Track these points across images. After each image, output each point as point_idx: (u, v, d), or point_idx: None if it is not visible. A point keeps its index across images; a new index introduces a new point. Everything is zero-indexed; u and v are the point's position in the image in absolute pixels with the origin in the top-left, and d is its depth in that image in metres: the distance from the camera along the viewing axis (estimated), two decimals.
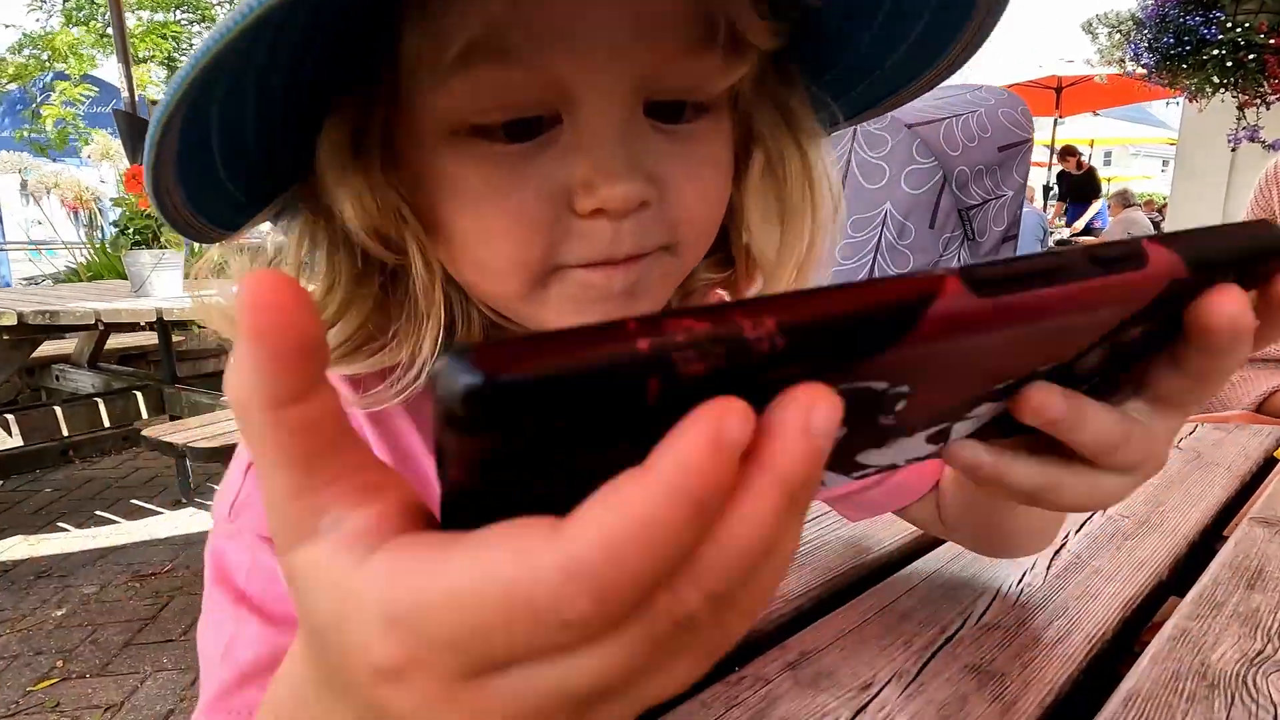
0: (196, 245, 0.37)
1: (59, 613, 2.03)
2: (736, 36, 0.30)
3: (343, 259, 0.32)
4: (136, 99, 2.85)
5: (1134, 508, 0.66)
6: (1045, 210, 7.60)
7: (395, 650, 0.14)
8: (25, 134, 6.57)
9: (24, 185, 5.11)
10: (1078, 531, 0.61)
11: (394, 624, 0.13)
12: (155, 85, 8.42)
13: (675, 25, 0.29)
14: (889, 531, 0.61)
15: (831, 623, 0.47)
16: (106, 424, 2.59)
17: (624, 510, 0.12)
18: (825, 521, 0.61)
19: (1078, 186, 7.49)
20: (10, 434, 2.29)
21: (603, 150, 0.29)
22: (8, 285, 6.27)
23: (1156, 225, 6.30)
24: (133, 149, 2.73)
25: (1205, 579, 0.52)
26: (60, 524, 2.59)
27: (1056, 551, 0.57)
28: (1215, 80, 3.39)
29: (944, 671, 0.42)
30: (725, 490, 0.12)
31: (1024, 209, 6.00)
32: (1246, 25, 3.51)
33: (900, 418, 0.19)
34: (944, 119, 1.51)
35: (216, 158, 0.28)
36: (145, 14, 9.56)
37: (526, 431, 0.11)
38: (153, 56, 9.40)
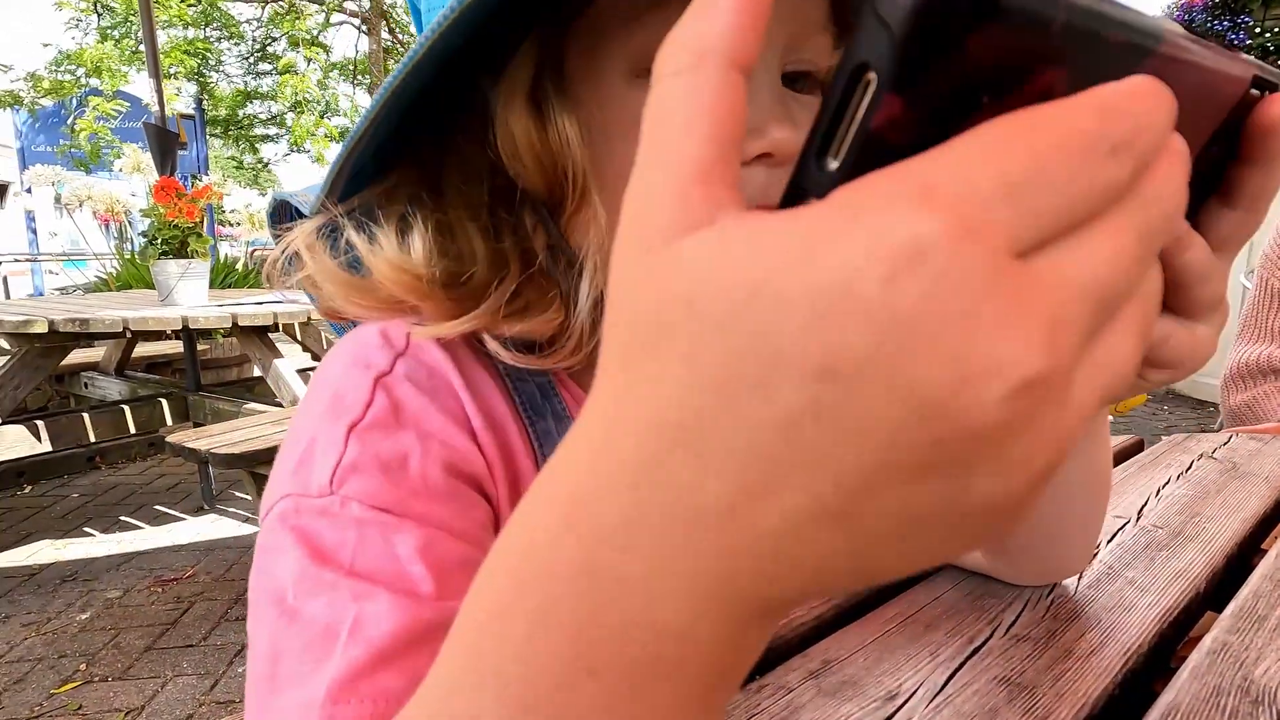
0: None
1: (83, 616, 2.06)
2: (845, 24, 0.34)
3: (476, 238, 0.34)
4: (165, 113, 2.91)
5: (1169, 518, 0.64)
6: None
7: (933, 224, 0.11)
8: (65, 149, 6.77)
9: (58, 199, 5.26)
10: (1110, 541, 0.59)
11: (929, 192, 0.12)
12: (181, 100, 8.64)
13: (814, 3, 0.32)
14: None
15: (855, 631, 0.46)
16: (132, 430, 2.64)
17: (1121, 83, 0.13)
18: None
19: None
20: (40, 440, 2.33)
21: (766, 100, 0.31)
22: (40, 295, 6.44)
23: None
24: (162, 161, 2.79)
25: (1245, 592, 0.50)
26: (86, 529, 2.64)
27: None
28: None
29: (973, 683, 0.41)
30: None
31: None
32: (1276, 30, 3.46)
33: None
34: None
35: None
36: (175, 31, 9.82)
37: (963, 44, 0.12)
38: (179, 72, 9.64)
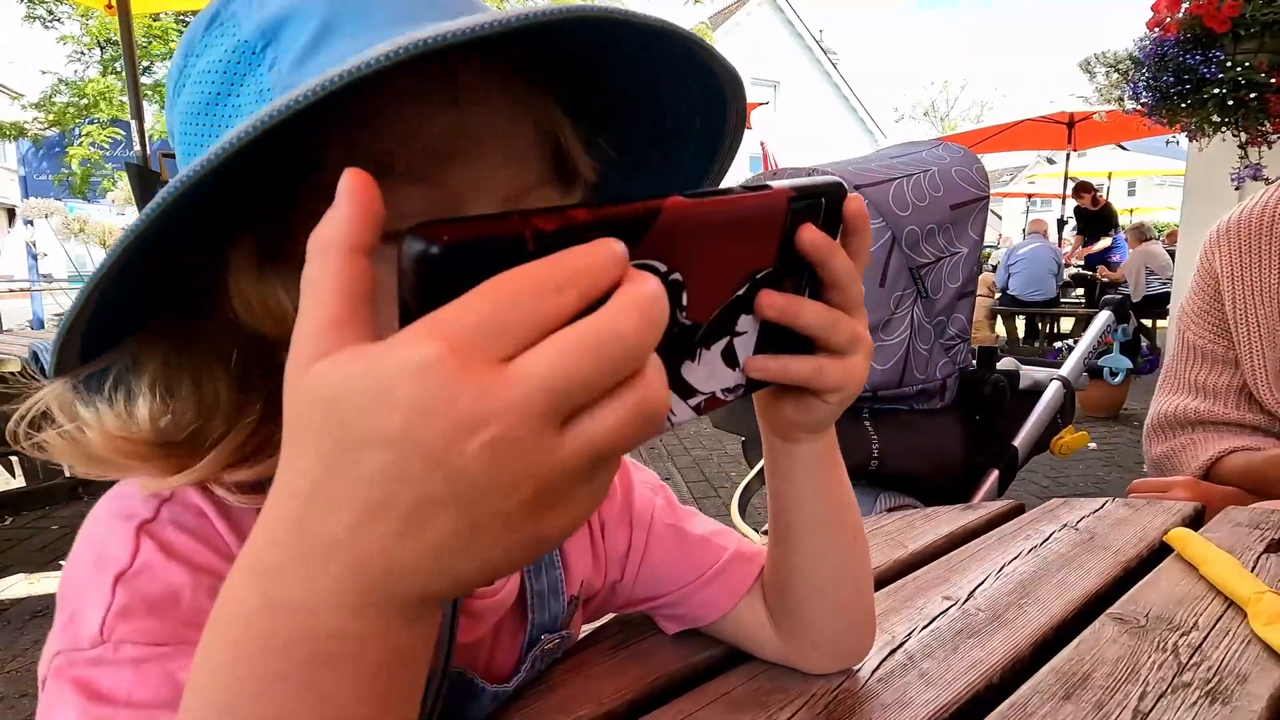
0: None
1: None
2: (571, 172, 0.39)
3: (221, 383, 0.36)
4: (149, 151, 2.98)
5: (997, 599, 0.66)
6: (1061, 245, 7.52)
7: (431, 347, 0.19)
8: (62, 178, 6.90)
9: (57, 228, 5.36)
10: (926, 627, 0.61)
11: (434, 328, 0.19)
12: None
13: (530, 159, 0.37)
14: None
15: None
16: None
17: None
18: (644, 631, 0.62)
19: (1093, 222, 7.46)
20: (14, 475, 2.38)
21: None
22: (40, 323, 6.54)
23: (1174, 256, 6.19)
24: (142, 199, 2.86)
25: (1025, 687, 0.53)
26: (62, 562, 2.66)
27: (892, 651, 0.58)
28: (1215, 119, 3.37)
29: None
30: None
31: (1040, 244, 5.85)
32: (1246, 64, 3.49)
33: (690, 314, 0.29)
34: (894, 179, 1.53)
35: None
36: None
37: (462, 275, 0.20)
38: None
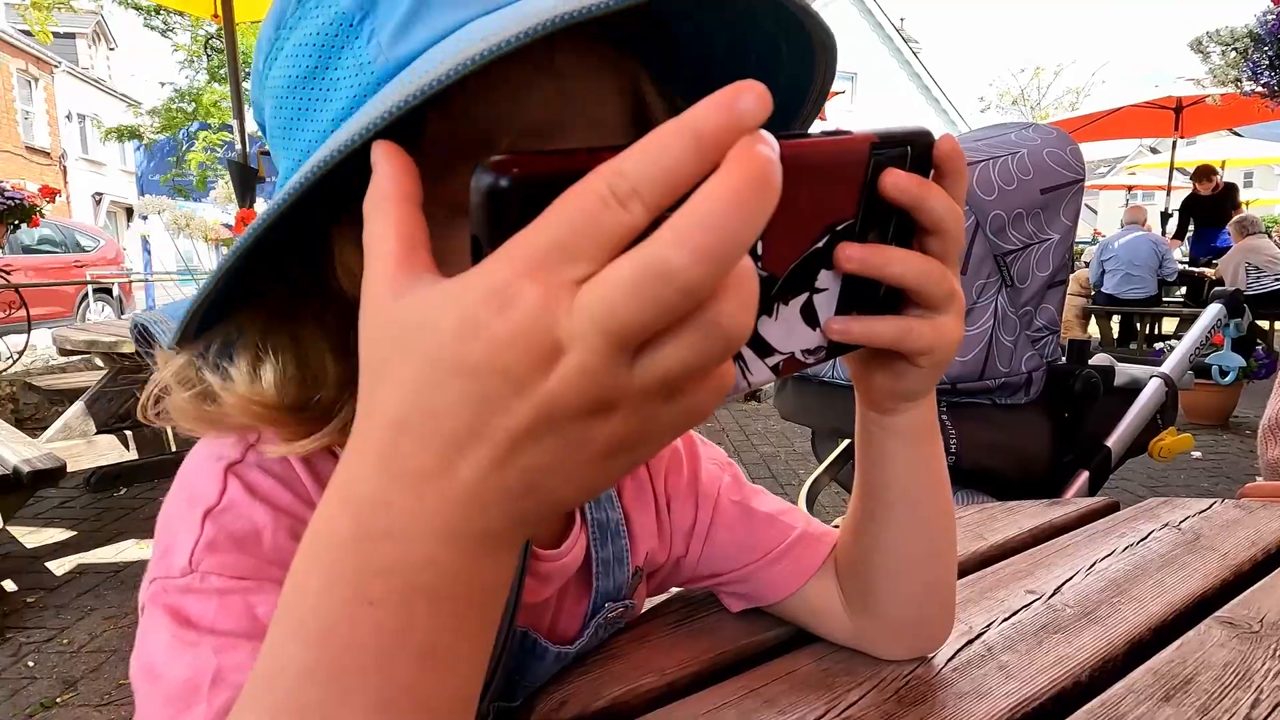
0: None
1: None
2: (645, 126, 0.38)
3: (325, 355, 0.36)
4: (249, 150, 3.16)
5: (1087, 597, 0.62)
6: (1165, 238, 6.96)
7: (506, 271, 0.19)
8: (169, 178, 7.51)
9: (169, 224, 5.81)
10: (1006, 620, 0.58)
11: (508, 256, 0.19)
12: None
13: (620, 128, 0.36)
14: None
15: (694, 703, 0.48)
16: None
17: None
18: (709, 607, 0.61)
19: (1210, 209, 6.78)
20: (128, 449, 2.58)
21: None
22: (151, 309, 7.07)
23: None
24: (242, 195, 3.05)
25: (1119, 686, 0.49)
26: None
27: (969, 641, 0.55)
28: None
29: None
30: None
31: (1139, 235, 5.38)
32: None
33: (766, 264, 0.28)
34: (980, 161, 1.46)
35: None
36: None
37: (531, 207, 0.19)
38: None
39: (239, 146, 3.13)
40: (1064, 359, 1.58)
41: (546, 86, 0.33)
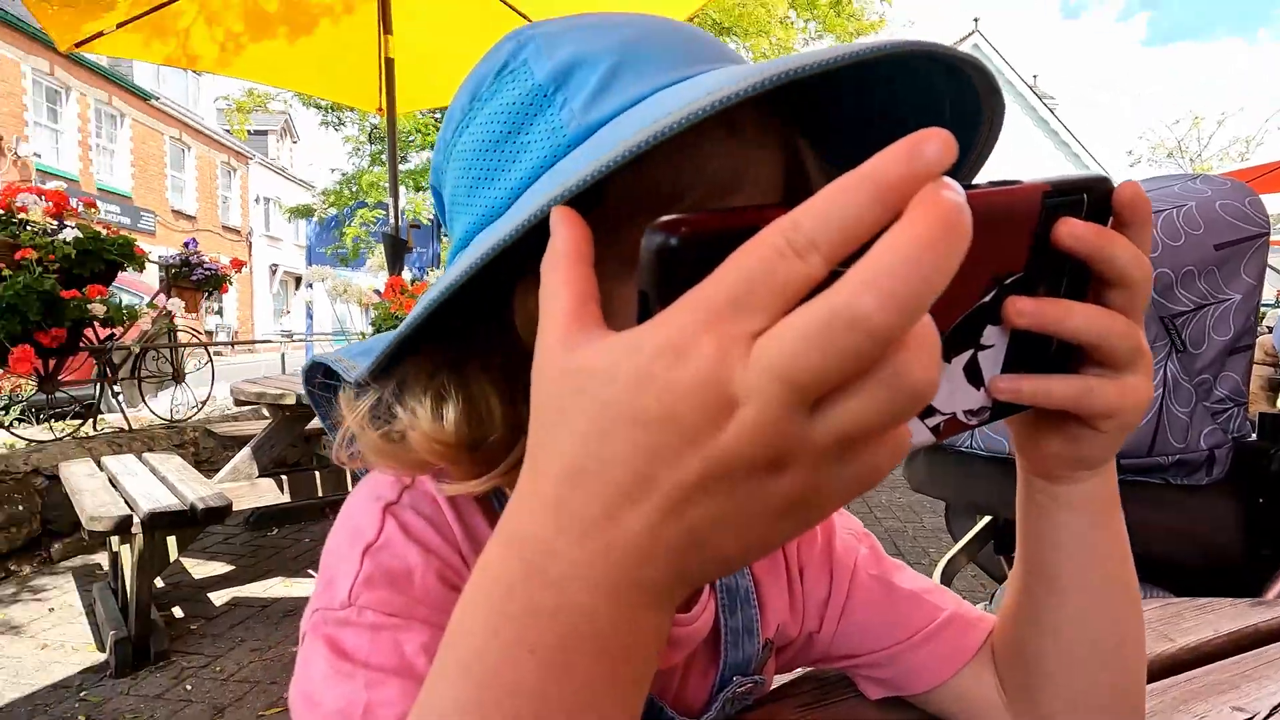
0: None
1: (295, 649, 2.41)
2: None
3: (492, 398, 0.38)
4: (400, 224, 3.50)
5: None
6: None
7: (686, 321, 0.19)
8: (333, 249, 8.54)
9: (329, 291, 6.53)
10: None
11: (692, 305, 0.19)
12: (429, 210, 10.49)
13: (781, 188, 0.37)
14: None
15: None
16: (350, 488, 3.10)
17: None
18: (843, 691, 0.56)
19: None
20: (282, 491, 2.83)
21: None
22: None
23: None
24: (392, 263, 3.36)
25: None
26: (310, 570, 3.10)
27: None
28: None
29: None
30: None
31: None
32: None
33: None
34: None
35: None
36: (428, 152, 11.94)
37: (701, 265, 0.20)
38: (429, 185, 11.63)
39: (391, 220, 3.46)
40: (1254, 435, 1.38)
41: (729, 147, 0.34)
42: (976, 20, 20.64)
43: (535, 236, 0.27)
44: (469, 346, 0.39)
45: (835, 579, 0.52)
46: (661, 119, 0.24)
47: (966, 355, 0.29)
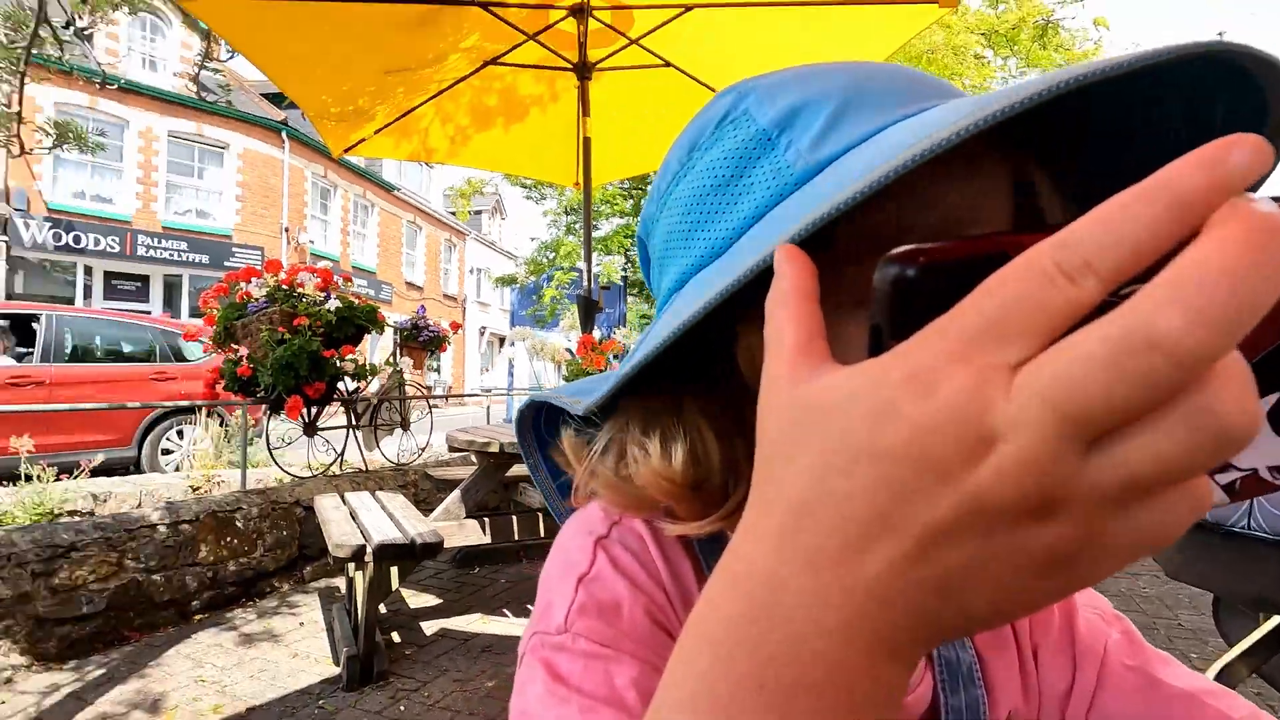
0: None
1: (490, 684, 2.56)
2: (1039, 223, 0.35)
3: (709, 439, 0.38)
4: (593, 286, 3.76)
5: None
6: None
7: (934, 353, 0.17)
8: (532, 311, 9.45)
9: (528, 350, 7.20)
10: None
11: (939, 333, 0.18)
12: (618, 272, 11.22)
13: (1001, 216, 0.35)
14: None
15: None
16: (543, 534, 3.28)
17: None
18: None
19: None
20: (485, 533, 3.07)
21: None
22: (509, 421, 8.71)
23: None
24: (585, 322, 3.60)
25: None
26: (504, 610, 3.30)
27: None
28: None
29: None
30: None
31: None
32: None
33: None
34: None
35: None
36: (617, 220, 12.83)
37: (940, 296, 0.19)
38: (620, 249, 12.47)
39: (585, 283, 3.72)
40: None
41: (963, 178, 0.33)
42: (1221, 34, 18.05)
43: (756, 277, 0.27)
44: (683, 387, 0.39)
45: (1080, 666, 0.45)
46: (903, 151, 0.24)
47: (1272, 399, 0.24)
